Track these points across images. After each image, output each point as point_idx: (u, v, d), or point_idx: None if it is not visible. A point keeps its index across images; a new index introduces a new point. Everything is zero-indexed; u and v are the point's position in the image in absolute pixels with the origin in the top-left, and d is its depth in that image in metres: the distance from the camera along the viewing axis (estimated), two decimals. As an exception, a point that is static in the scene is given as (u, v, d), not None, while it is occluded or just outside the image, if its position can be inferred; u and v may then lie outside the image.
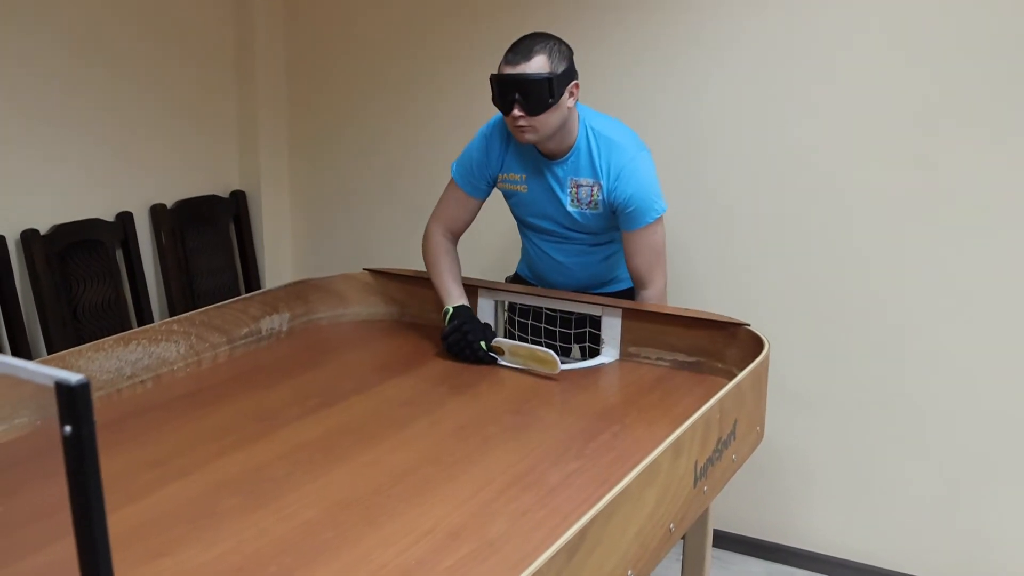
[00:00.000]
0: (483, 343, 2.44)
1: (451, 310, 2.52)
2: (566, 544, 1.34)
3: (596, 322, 2.54)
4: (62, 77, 3.11)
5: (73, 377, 0.64)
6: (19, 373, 0.69)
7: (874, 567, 3.04)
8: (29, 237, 2.98)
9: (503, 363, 2.45)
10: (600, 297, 2.54)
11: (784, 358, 2.96)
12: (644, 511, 1.60)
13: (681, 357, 2.43)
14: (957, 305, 2.79)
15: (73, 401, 0.64)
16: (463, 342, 2.46)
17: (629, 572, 1.56)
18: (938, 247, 2.78)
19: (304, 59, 3.74)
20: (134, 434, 2.02)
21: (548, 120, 2.32)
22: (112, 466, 1.86)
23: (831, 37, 2.81)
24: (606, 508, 1.46)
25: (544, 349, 2.39)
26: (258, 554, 1.54)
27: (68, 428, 0.65)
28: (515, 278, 2.79)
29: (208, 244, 3.63)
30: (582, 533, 1.38)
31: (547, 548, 1.32)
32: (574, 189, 2.45)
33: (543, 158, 2.46)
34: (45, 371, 0.66)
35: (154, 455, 1.91)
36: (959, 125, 2.70)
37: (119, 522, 1.64)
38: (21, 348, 2.95)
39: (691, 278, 3.08)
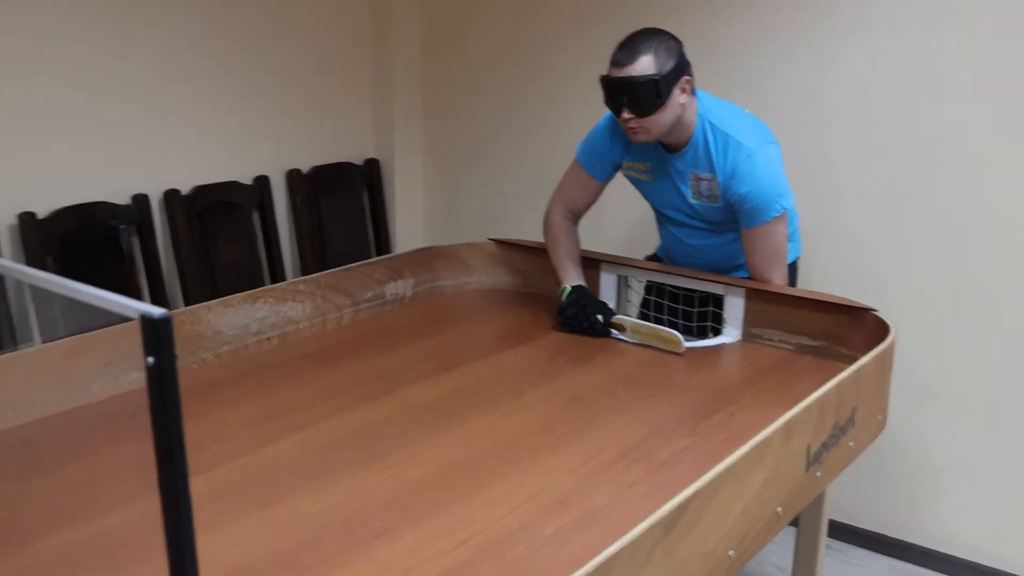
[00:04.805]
0: (600, 317, 2.44)
1: (568, 288, 2.52)
2: (664, 518, 1.33)
3: (719, 301, 2.51)
4: (205, 43, 3.22)
5: (156, 311, 0.67)
6: (110, 307, 0.73)
7: (1004, 572, 2.92)
8: (171, 197, 3.11)
9: (624, 339, 2.44)
10: (723, 276, 2.50)
11: (916, 346, 2.86)
12: (751, 491, 1.58)
13: (804, 340, 2.38)
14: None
15: (156, 333, 0.67)
16: (581, 315, 2.46)
17: (731, 552, 1.54)
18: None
19: (439, 33, 3.77)
20: (256, 388, 2.09)
21: (658, 120, 2.28)
22: (232, 417, 1.94)
23: (964, 21, 2.69)
24: (710, 484, 1.44)
25: (668, 329, 2.37)
26: (364, 508, 1.58)
27: (151, 359, 0.68)
28: (653, 258, 2.77)
29: (341, 210, 3.72)
30: (682, 507, 1.37)
31: (648, 523, 1.31)
32: (695, 182, 2.41)
33: (663, 151, 2.44)
34: (133, 305, 0.69)
35: (274, 409, 1.98)
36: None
37: (235, 470, 1.71)
38: (160, 302, 3.08)
39: (819, 261, 3.00)
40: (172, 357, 0.67)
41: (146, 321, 0.67)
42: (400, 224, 3.89)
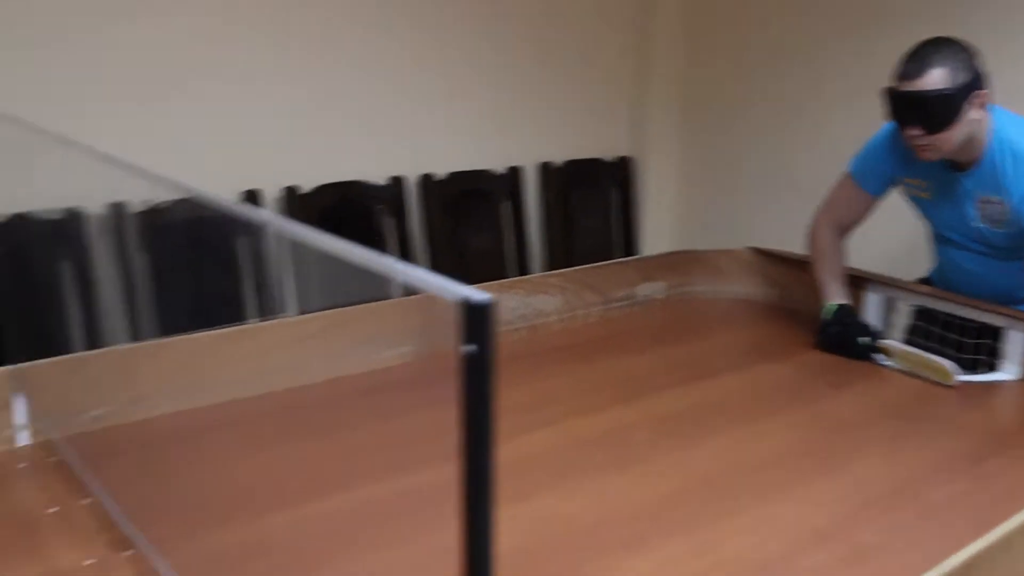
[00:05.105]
0: (865, 339, 2.30)
1: (834, 306, 2.38)
2: (951, 571, 1.21)
3: (997, 333, 2.31)
4: (470, 36, 3.27)
5: (480, 296, 0.63)
6: (429, 287, 0.69)
7: None
8: (427, 181, 3.16)
9: (888, 365, 2.29)
10: (1005, 307, 2.30)
11: None
12: (1043, 550, 1.42)
13: (1097, 387, 2.15)
14: None
15: (478, 320, 0.63)
16: (844, 335, 2.32)
17: (1018, 615, 1.39)
18: None
19: (702, 34, 3.68)
20: (506, 378, 2.05)
21: (949, 137, 2.10)
22: (484, 406, 1.92)
23: None
24: (1002, 540, 1.30)
25: (939, 359, 2.19)
26: (614, 514, 1.53)
27: (469, 347, 0.64)
28: (925, 281, 2.59)
29: (590, 205, 3.70)
30: (973, 562, 1.24)
31: (924, 571, 1.19)
32: (982, 205, 2.22)
33: (949, 169, 2.25)
34: (453, 288, 0.65)
35: (522, 401, 1.95)
36: None
37: (487, 460, 1.69)
38: (411, 283, 3.15)
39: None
40: (493, 346, 0.63)
41: (468, 307, 0.63)
42: (648, 224, 3.83)
